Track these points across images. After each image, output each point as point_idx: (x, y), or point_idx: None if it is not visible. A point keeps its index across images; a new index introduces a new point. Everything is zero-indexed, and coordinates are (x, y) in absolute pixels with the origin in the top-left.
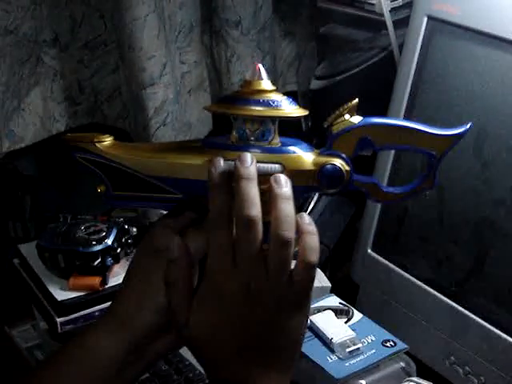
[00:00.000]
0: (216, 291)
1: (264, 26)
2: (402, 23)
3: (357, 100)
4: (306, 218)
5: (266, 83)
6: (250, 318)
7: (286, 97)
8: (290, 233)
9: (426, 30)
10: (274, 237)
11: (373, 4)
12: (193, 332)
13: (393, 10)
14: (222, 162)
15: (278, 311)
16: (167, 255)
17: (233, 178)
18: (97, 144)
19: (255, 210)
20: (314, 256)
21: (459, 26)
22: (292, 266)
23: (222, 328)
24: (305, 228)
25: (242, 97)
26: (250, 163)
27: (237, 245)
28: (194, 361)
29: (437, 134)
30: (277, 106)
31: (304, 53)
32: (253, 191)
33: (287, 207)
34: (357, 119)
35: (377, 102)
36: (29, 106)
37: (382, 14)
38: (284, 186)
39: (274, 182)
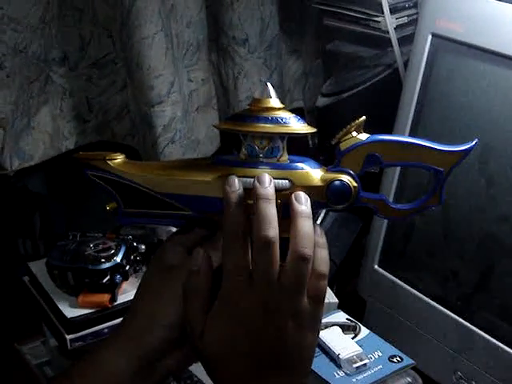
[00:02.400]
0: (231, 308)
1: (271, 43)
2: (407, 40)
3: (364, 117)
4: (318, 230)
5: (274, 101)
6: (264, 334)
7: (294, 114)
8: (309, 250)
9: (430, 47)
10: (293, 253)
11: (378, 21)
12: (207, 345)
13: (398, 28)
14: (236, 180)
15: (293, 328)
16: (190, 266)
17: (248, 195)
18: (109, 162)
19: (273, 231)
20: (325, 268)
21: (463, 44)
22: None
23: (236, 343)
24: (316, 240)
25: (251, 114)
26: (269, 184)
27: (254, 264)
28: (203, 377)
29: (443, 151)
30: (285, 123)
31: (310, 70)
32: (271, 212)
33: (307, 224)
34: (364, 136)
35: (382, 118)
36: (38, 125)
37: (387, 32)
38: (304, 203)
39: (294, 199)
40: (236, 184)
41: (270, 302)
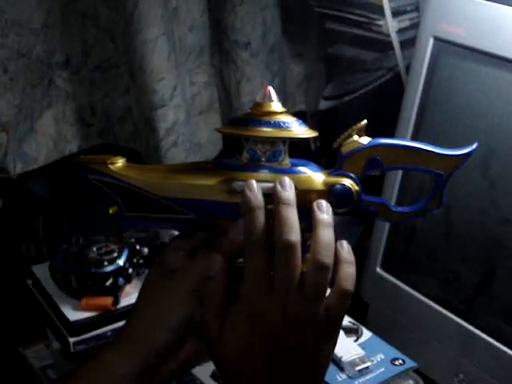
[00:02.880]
0: (252, 313)
1: (273, 47)
2: (409, 44)
3: (365, 121)
4: (345, 246)
5: (276, 105)
6: (282, 341)
7: (295, 118)
8: (329, 258)
9: (432, 50)
10: (313, 262)
11: (380, 25)
12: (223, 349)
13: (400, 31)
14: (255, 184)
15: (310, 337)
16: (206, 272)
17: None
18: (110, 165)
19: (295, 235)
20: (350, 285)
21: (465, 47)
22: (327, 293)
23: (253, 348)
24: (344, 256)
25: (253, 118)
26: (290, 187)
27: (275, 270)
28: (205, 380)
29: (444, 155)
30: (287, 127)
31: (312, 73)
32: (293, 216)
33: (328, 233)
34: (365, 140)
35: (384, 121)
36: (41, 128)
37: (389, 35)
38: (325, 212)
39: (316, 207)
40: (256, 188)
41: (288, 308)
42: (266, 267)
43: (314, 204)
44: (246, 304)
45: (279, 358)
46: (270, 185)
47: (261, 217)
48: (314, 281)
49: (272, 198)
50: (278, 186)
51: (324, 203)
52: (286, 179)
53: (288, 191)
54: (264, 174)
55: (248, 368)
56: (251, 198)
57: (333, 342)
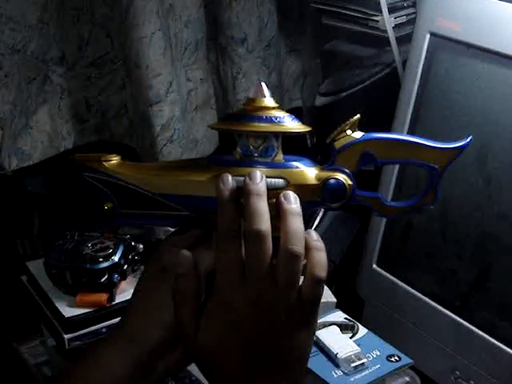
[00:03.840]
0: (225, 306)
1: (269, 43)
2: (406, 39)
3: (358, 116)
4: (313, 234)
5: (268, 100)
6: (258, 333)
7: (288, 113)
8: (299, 247)
9: (428, 46)
10: (284, 251)
11: (377, 21)
12: (201, 346)
13: (396, 27)
14: (230, 177)
15: (286, 326)
16: (176, 269)
17: (241, 194)
18: (104, 163)
19: (265, 224)
20: (322, 271)
21: (461, 43)
22: (300, 282)
23: (230, 342)
24: (313, 244)
25: (246, 114)
26: (260, 180)
27: (246, 259)
28: (200, 376)
29: (437, 148)
30: (279, 122)
31: (309, 69)
32: (262, 206)
33: (296, 222)
34: (358, 134)
35: (381, 117)
36: (37, 124)
37: (385, 31)
38: (293, 202)
39: (283, 198)
40: (230, 181)
41: (262, 298)
42: (237, 258)
43: (281, 195)
44: (218, 297)
45: (255, 349)
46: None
47: (231, 209)
48: (286, 269)
49: (271, 192)
50: (247, 179)
51: (291, 193)
52: (257, 172)
53: (258, 183)
54: (257, 169)
55: (227, 362)
56: (223, 190)
57: (310, 330)
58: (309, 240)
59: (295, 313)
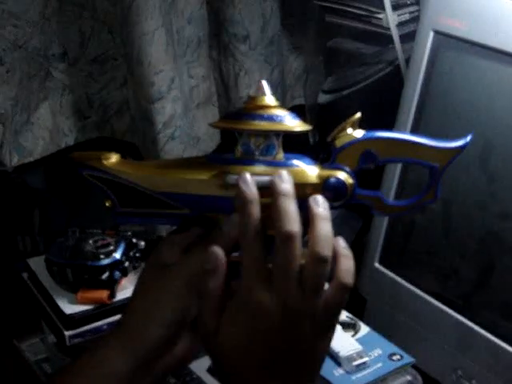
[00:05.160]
0: (249, 305)
1: (272, 40)
2: (409, 37)
3: (359, 114)
4: (341, 241)
5: (269, 99)
6: (280, 334)
7: (289, 112)
8: (328, 251)
9: (432, 44)
10: (312, 254)
11: (380, 18)
12: (221, 343)
13: (400, 25)
14: (249, 176)
15: (308, 330)
16: (204, 265)
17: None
18: (104, 161)
19: (296, 225)
20: (349, 278)
21: (465, 41)
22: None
23: (251, 341)
24: (341, 251)
25: (247, 112)
26: (288, 180)
27: (275, 261)
28: (201, 374)
29: (438, 147)
30: (280, 120)
31: (311, 67)
32: (293, 208)
33: (326, 226)
34: (359, 133)
35: (384, 115)
36: (38, 120)
37: (388, 29)
38: (322, 205)
39: (313, 201)
40: (250, 181)
41: (287, 300)
42: (263, 259)
43: (311, 198)
44: (243, 297)
45: (276, 351)
46: (264, 178)
47: (256, 209)
48: (313, 273)
49: (270, 191)
50: (277, 179)
51: (320, 197)
52: (285, 172)
53: (287, 183)
54: (257, 167)
55: (245, 362)
56: (246, 190)
57: (329, 337)
58: (337, 247)
59: (319, 318)
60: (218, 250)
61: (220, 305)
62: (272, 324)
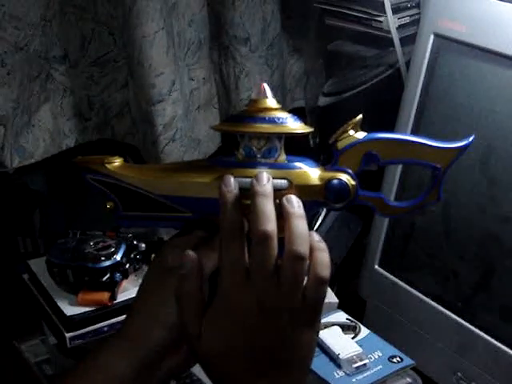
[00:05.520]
0: (229, 306)
1: (272, 42)
2: (409, 40)
3: (361, 116)
4: (315, 235)
5: (271, 101)
6: (262, 333)
7: (290, 114)
8: (304, 248)
9: (432, 47)
10: (289, 252)
11: (380, 21)
12: (204, 346)
13: (400, 28)
14: (232, 179)
15: (290, 326)
16: (179, 269)
17: (244, 195)
18: (107, 165)
19: (271, 225)
20: (325, 271)
21: (465, 44)
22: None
23: (234, 342)
24: (316, 245)
25: (248, 115)
26: (267, 181)
27: (251, 260)
28: (202, 376)
29: (440, 147)
30: (282, 123)
31: (312, 69)
32: (269, 207)
33: (301, 224)
34: (361, 135)
35: (384, 118)
36: (39, 122)
37: (389, 31)
38: (296, 205)
39: (286, 201)
40: (232, 183)
41: (266, 299)
42: (240, 259)
43: (284, 199)
44: (223, 298)
45: (260, 350)
46: (247, 180)
47: (234, 210)
48: (291, 270)
49: (276, 193)
50: (254, 180)
51: (293, 197)
52: (264, 173)
53: (265, 184)
54: (259, 170)
55: (230, 363)
56: (225, 192)
57: (314, 331)
58: (312, 241)
59: (299, 313)
60: (192, 254)
61: (199, 307)
62: (251, 323)
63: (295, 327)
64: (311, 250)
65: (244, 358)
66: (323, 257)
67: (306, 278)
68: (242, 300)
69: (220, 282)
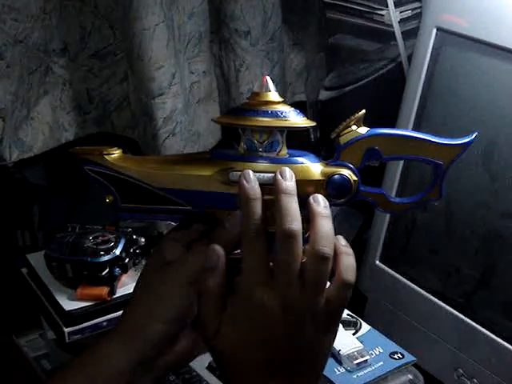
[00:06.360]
0: (251, 305)
1: (273, 36)
2: (411, 34)
3: (363, 111)
4: (342, 239)
5: (273, 95)
6: (281, 333)
7: (293, 108)
8: (328, 249)
9: (434, 41)
10: (313, 252)
11: (382, 15)
12: (221, 343)
13: (402, 21)
14: (251, 174)
15: (310, 328)
16: (205, 263)
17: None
18: (106, 156)
19: (297, 223)
20: (351, 276)
21: (468, 38)
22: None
23: (251, 341)
24: (342, 249)
25: (250, 108)
26: (291, 178)
27: (276, 259)
28: (201, 372)
29: (443, 144)
30: (285, 116)
31: (313, 63)
32: (294, 205)
33: (326, 224)
34: (364, 130)
35: (386, 112)
36: (38, 115)
37: (391, 25)
38: (323, 205)
39: (312, 200)
40: (253, 178)
41: (288, 298)
42: (264, 257)
43: (311, 198)
44: (244, 295)
45: (277, 350)
46: (266, 175)
47: (258, 207)
48: (315, 271)
49: (273, 187)
50: (279, 176)
51: (320, 196)
52: (287, 169)
53: (289, 181)
54: (261, 164)
55: (247, 360)
56: (248, 188)
57: (332, 335)
58: (338, 245)
59: (321, 316)
60: (218, 248)
61: (220, 303)
62: (272, 323)
63: (316, 330)
64: (337, 253)
65: (259, 357)
66: (349, 261)
67: (330, 281)
68: (264, 298)
69: (241, 281)
